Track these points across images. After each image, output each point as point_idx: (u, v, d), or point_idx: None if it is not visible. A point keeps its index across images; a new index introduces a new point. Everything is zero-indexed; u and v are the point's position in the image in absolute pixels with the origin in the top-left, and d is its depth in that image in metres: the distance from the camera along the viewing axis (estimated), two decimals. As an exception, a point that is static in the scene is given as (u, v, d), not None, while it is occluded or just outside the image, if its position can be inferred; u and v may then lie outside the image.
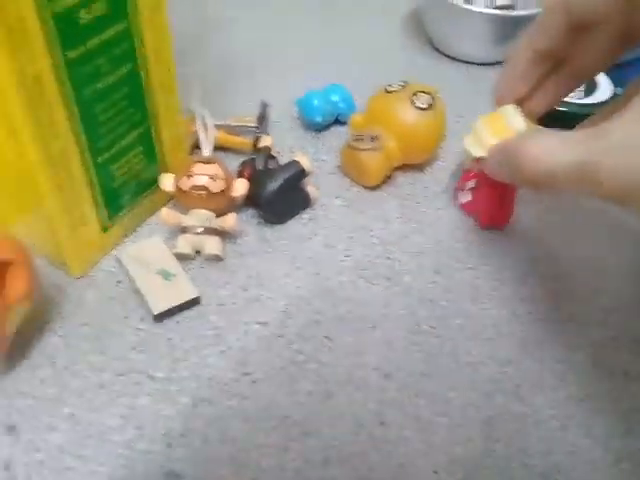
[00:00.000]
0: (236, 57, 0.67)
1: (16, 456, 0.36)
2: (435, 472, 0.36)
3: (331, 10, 0.78)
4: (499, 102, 0.46)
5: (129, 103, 0.41)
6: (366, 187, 0.54)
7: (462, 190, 0.51)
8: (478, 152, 0.44)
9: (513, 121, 0.44)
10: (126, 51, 0.39)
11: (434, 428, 0.38)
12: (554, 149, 0.31)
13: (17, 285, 0.36)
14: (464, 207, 0.52)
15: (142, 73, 0.41)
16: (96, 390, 0.39)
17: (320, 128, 0.59)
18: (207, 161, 0.47)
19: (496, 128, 0.44)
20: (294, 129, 0.60)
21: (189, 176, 0.46)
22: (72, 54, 0.35)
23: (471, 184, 0.50)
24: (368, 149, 0.50)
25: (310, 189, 0.50)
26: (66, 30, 0.34)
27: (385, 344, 0.42)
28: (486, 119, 0.45)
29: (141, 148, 0.44)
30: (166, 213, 0.46)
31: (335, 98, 0.58)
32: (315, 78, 0.61)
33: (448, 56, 0.71)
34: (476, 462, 0.37)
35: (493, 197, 0.48)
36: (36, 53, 0.33)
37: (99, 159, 0.41)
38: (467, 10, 0.64)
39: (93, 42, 0.36)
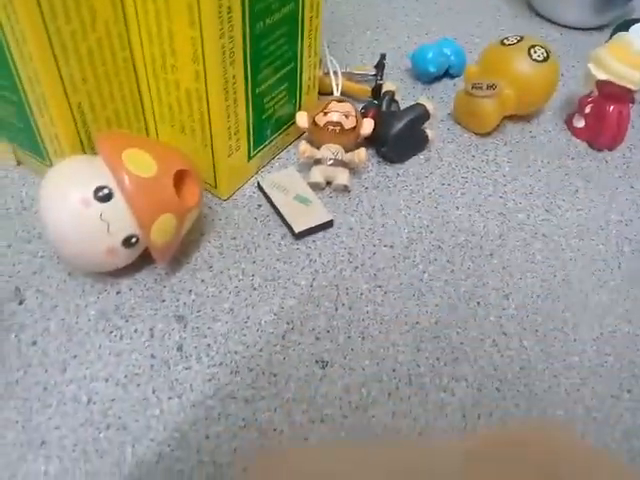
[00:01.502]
0: (351, 14, 0.72)
1: (187, 340, 0.42)
2: (554, 376, 0.41)
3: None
4: None
5: (285, 41, 0.46)
6: (477, 134, 0.58)
7: (578, 114, 0.56)
8: (602, 75, 0.52)
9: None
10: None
11: (550, 341, 0.42)
12: None
13: (192, 192, 0.42)
14: (578, 132, 0.57)
15: (299, 14, 0.46)
16: (250, 291, 0.44)
17: (431, 80, 0.63)
18: (340, 100, 0.51)
19: (620, 54, 0.50)
20: (405, 81, 0.64)
21: (325, 113, 0.50)
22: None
23: (587, 109, 0.54)
24: (485, 96, 0.54)
25: (429, 131, 0.55)
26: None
27: (503, 270, 0.47)
28: (609, 46, 0.51)
29: (286, 84, 0.50)
30: (304, 146, 0.51)
31: (447, 51, 0.62)
32: (420, 35, 0.65)
33: (549, 20, 0.74)
34: (590, 370, 0.41)
35: (611, 117, 0.54)
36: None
37: (257, 90, 0.46)
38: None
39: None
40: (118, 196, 0.39)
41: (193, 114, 0.45)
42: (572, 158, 0.56)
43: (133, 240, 0.41)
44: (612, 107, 0.55)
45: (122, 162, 0.39)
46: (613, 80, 0.53)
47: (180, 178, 0.42)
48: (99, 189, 0.39)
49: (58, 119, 0.43)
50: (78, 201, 0.39)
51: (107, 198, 0.39)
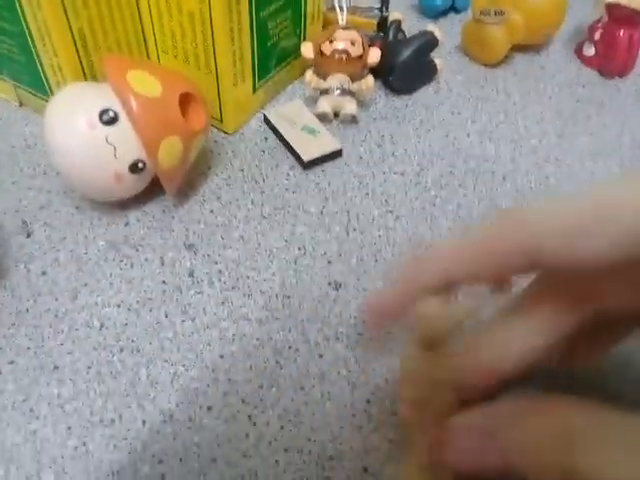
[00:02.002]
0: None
1: (198, 267, 0.41)
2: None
3: None
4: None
5: (288, -38, 0.45)
6: (486, 65, 0.56)
7: (588, 42, 0.55)
8: None
9: None
10: None
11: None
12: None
13: (198, 116, 0.41)
14: (589, 61, 0.56)
15: None
16: (260, 219, 0.44)
17: (437, 14, 0.62)
18: (346, 28, 0.50)
19: None
20: (411, 16, 0.63)
21: (331, 41, 0.49)
22: None
23: (597, 36, 0.53)
24: (494, 23, 0.53)
25: (437, 60, 0.53)
26: None
27: (516, 192, 0.46)
28: None
29: (290, 12, 0.48)
30: (310, 75, 0.50)
31: (454, -16, 0.61)
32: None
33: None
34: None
35: (621, 42, 0.52)
36: None
37: (261, 14, 0.45)
38: None
39: None
40: (123, 119, 0.38)
41: (196, 39, 0.44)
42: (583, 86, 0.55)
43: (140, 165, 0.40)
44: (622, 31, 0.53)
45: (127, 82, 0.38)
46: (622, 2, 0.51)
47: (185, 102, 0.41)
48: (104, 112, 0.38)
49: (60, 46, 0.42)
50: (83, 124, 0.38)
51: (112, 121, 0.38)
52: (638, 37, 0.54)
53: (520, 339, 0.27)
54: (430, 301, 0.26)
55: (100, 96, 0.39)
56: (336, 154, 0.48)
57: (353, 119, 0.50)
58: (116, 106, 0.38)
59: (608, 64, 0.55)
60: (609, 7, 0.53)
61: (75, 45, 0.43)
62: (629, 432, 0.21)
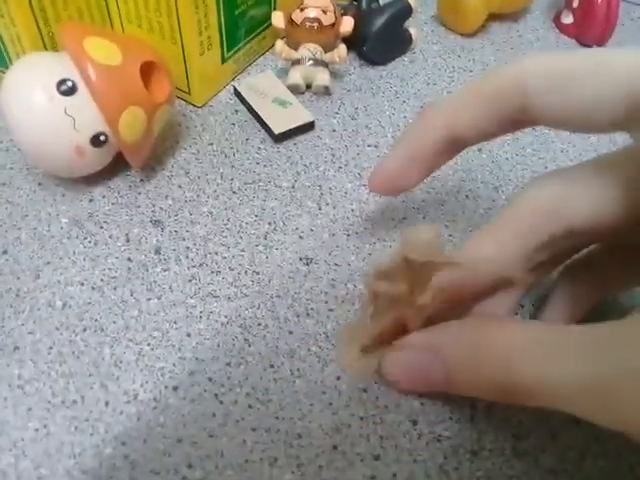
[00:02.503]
0: None
1: (164, 244, 0.40)
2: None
3: None
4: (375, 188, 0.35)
5: None
6: (462, 35, 0.55)
7: (566, 10, 0.53)
8: None
9: None
10: None
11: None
12: (553, 355, 0.22)
13: (162, 87, 0.40)
14: (567, 29, 0.55)
15: None
16: (229, 194, 0.42)
17: (413, -17, 0.60)
18: (318, -4, 0.48)
19: None
20: (387, -15, 0.61)
21: (302, 9, 0.48)
22: None
23: (575, 3, 0.52)
24: (470, -10, 0.51)
25: (412, 30, 0.52)
26: None
27: (492, 163, 0.45)
28: None
29: (259, -22, 0.47)
30: (281, 45, 0.48)
31: (430, -49, 0.59)
32: None
33: None
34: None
35: (599, 9, 0.51)
36: None
37: (227, -20, 0.43)
38: None
39: None
40: (82, 89, 0.37)
41: (160, 7, 0.42)
42: (562, 55, 0.54)
43: (102, 138, 0.38)
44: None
45: (84, 50, 0.36)
46: (602, -33, 0.50)
47: (148, 72, 0.39)
48: (62, 82, 0.37)
49: (18, 17, 0.41)
50: (40, 96, 0.36)
51: (71, 91, 0.37)
52: (616, 4, 0.53)
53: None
54: (420, 228, 0.25)
55: (58, 66, 0.37)
56: (308, 126, 0.46)
57: (326, 90, 0.49)
58: (74, 76, 0.37)
59: (586, 32, 0.54)
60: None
61: (34, 15, 0.41)
62: (564, 345, 0.22)
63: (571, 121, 0.25)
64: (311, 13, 0.48)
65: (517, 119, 0.27)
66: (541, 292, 0.36)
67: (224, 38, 0.46)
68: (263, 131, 0.47)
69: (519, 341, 0.23)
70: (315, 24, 0.48)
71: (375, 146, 0.46)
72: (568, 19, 0.55)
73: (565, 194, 0.27)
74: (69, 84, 0.37)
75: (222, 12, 0.45)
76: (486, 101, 0.27)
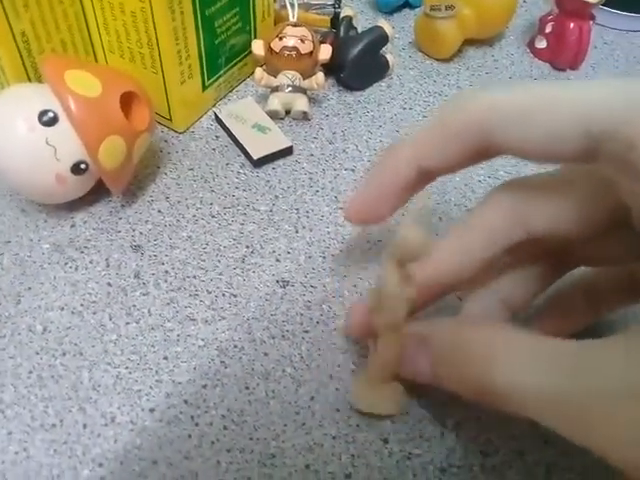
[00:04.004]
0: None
1: (144, 268, 0.41)
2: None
3: None
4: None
5: (231, -41, 0.45)
6: (438, 60, 0.57)
7: (540, 35, 0.55)
8: None
9: None
10: None
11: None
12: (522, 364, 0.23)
13: (142, 115, 0.41)
14: (540, 54, 0.57)
15: None
16: (209, 218, 0.43)
17: (391, 10, 0.62)
18: (296, 24, 0.50)
19: None
20: (366, 12, 0.62)
21: (280, 38, 0.49)
22: None
23: (548, 28, 0.54)
24: (444, 17, 0.53)
25: (389, 56, 0.53)
26: None
27: (465, 186, 0.46)
28: None
29: (238, 9, 0.48)
30: (260, 72, 0.49)
31: (407, -21, 0.61)
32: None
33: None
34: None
35: (571, 34, 0.53)
36: None
37: (206, 11, 0.45)
38: None
39: None
40: (63, 119, 0.38)
41: (141, 39, 0.44)
42: (535, 79, 0.56)
43: (82, 166, 0.39)
44: (572, 24, 0.54)
45: (65, 82, 0.37)
46: (571, -6, 0.52)
47: (128, 101, 0.41)
48: (43, 113, 0.38)
49: (2, 48, 0.42)
50: (22, 126, 0.38)
51: (52, 122, 0.38)
52: (588, 29, 0.55)
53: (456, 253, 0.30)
54: (412, 226, 0.26)
55: (40, 97, 0.38)
56: (287, 151, 0.48)
57: (305, 116, 0.50)
58: (56, 107, 0.38)
59: (559, 57, 0.56)
60: (559, 0, 0.53)
61: (17, 48, 0.42)
62: (541, 356, 0.22)
63: (535, 155, 0.26)
64: (289, 42, 0.49)
65: (483, 152, 0.28)
66: (540, 301, 0.36)
67: (205, 67, 0.48)
68: (243, 156, 0.48)
69: (499, 345, 0.24)
70: (293, 52, 0.49)
71: (352, 170, 0.47)
72: (542, 44, 0.57)
73: (526, 201, 0.28)
74: (50, 115, 0.38)
75: (202, 42, 0.46)
76: (452, 136, 0.27)
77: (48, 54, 0.43)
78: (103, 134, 0.38)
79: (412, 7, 0.62)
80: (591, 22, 0.55)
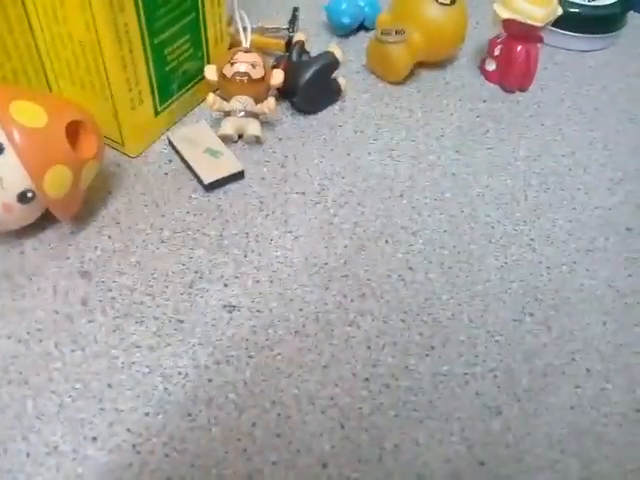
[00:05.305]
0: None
1: (91, 295, 0.41)
2: (458, 305, 0.41)
3: None
4: None
5: (180, -11, 0.45)
6: (391, 83, 0.58)
7: (489, 57, 0.57)
8: (505, 14, 0.53)
9: None
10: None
11: (456, 272, 0.43)
12: None
13: (89, 143, 0.41)
14: (490, 76, 0.58)
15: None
16: (158, 244, 0.44)
17: (346, 32, 0.63)
18: (247, 50, 0.51)
19: None
20: (321, 35, 0.64)
21: (232, 63, 0.50)
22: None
23: (497, 51, 0.55)
24: (394, 42, 0.54)
25: (340, 80, 0.54)
26: None
27: (412, 209, 0.47)
28: None
29: (189, 36, 0.49)
30: (212, 98, 0.50)
31: (361, 3, 0.62)
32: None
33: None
34: (494, 297, 0.42)
35: (518, 57, 0.55)
36: None
37: (155, 40, 0.45)
38: None
39: None
40: (9, 150, 0.38)
41: (90, 67, 0.44)
42: (484, 101, 0.57)
43: (29, 195, 0.40)
44: (520, 47, 0.55)
45: (9, 113, 0.38)
46: (517, 18, 0.53)
47: (76, 130, 0.41)
48: (-12, 143, 0.38)
49: (-52, 78, 0.42)
50: (-34, 157, 0.38)
51: (-3, 152, 0.38)
52: (536, 52, 0.56)
53: None
54: None
55: (-15, 127, 0.39)
56: (238, 175, 0.48)
57: (257, 140, 0.51)
58: (2, 137, 0.38)
59: (507, 78, 0.57)
60: (506, 23, 0.55)
61: (-34, 76, 0.43)
62: None
63: None
64: (241, 67, 0.50)
65: None
66: None
67: (156, 93, 0.48)
68: (195, 180, 0.48)
69: None
70: (245, 78, 0.50)
71: (302, 193, 0.48)
72: (491, 66, 0.58)
73: None
74: (-5, 145, 0.38)
75: (152, 69, 0.47)
76: None
77: (2, 84, 0.44)
78: (48, 164, 0.38)
79: (367, 30, 0.64)
80: (539, 45, 0.56)
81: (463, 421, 0.35)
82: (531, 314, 0.41)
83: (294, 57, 0.54)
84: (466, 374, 0.38)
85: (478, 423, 0.35)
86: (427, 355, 0.38)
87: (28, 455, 0.34)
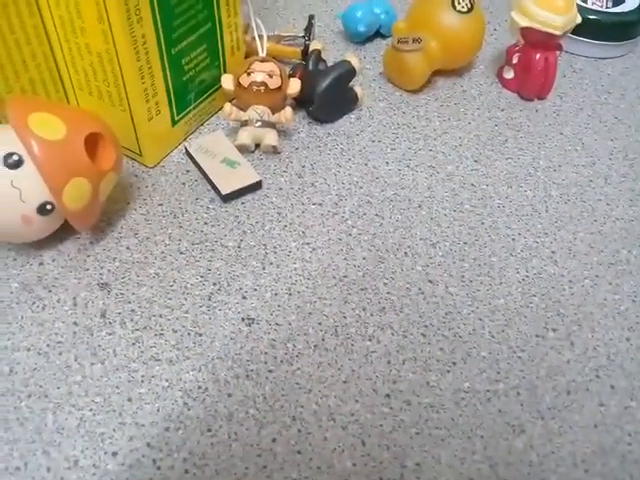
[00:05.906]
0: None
1: (110, 307, 0.41)
2: (479, 319, 0.41)
3: None
4: None
5: (198, 0, 0.45)
6: (408, 91, 0.57)
7: (507, 66, 0.56)
8: (524, 22, 0.52)
9: None
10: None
11: (476, 285, 0.43)
12: None
13: (108, 155, 0.41)
14: (508, 84, 0.58)
15: (211, -29, 0.45)
16: (177, 255, 0.44)
17: (362, 40, 0.63)
18: (264, 60, 0.51)
19: (541, 0, 0.51)
20: (337, 42, 0.63)
21: (249, 73, 0.50)
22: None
23: (515, 59, 0.55)
24: (411, 50, 0.54)
25: (357, 89, 0.54)
26: None
27: (431, 220, 0.47)
28: None
29: (205, 46, 0.49)
30: (229, 107, 0.50)
31: (377, 10, 0.61)
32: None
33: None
34: (515, 311, 0.41)
35: (537, 65, 0.54)
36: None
37: (172, 50, 0.45)
38: None
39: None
40: (28, 162, 0.38)
41: (107, 78, 0.44)
42: (502, 109, 0.56)
43: (48, 207, 0.40)
44: (538, 55, 0.55)
45: (28, 126, 0.38)
46: (535, 26, 0.53)
47: (94, 142, 0.41)
48: (8, 156, 0.38)
49: (-33, 90, 0.42)
50: (-13, 170, 0.38)
51: (17, 165, 0.38)
52: (554, 59, 0.56)
53: None
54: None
55: (5, 140, 0.39)
56: (256, 186, 0.48)
57: (274, 149, 0.51)
58: (21, 150, 0.38)
59: (525, 87, 0.57)
60: (524, 31, 0.54)
61: (-16, 86, 0.43)
62: None
63: None
64: (258, 77, 0.50)
65: None
66: None
67: (173, 103, 0.48)
68: (213, 191, 0.48)
69: None
70: (262, 87, 0.50)
71: (320, 204, 0.48)
72: (509, 74, 0.58)
73: None
74: (15, 158, 0.38)
75: (169, 79, 0.47)
76: None
77: (12, 96, 0.44)
78: (67, 176, 0.38)
79: (384, 37, 0.63)
80: (558, 52, 0.56)
81: (485, 439, 0.35)
82: (554, 329, 0.40)
83: (311, 66, 0.54)
84: (488, 391, 0.37)
85: (501, 441, 0.35)
86: (448, 371, 0.38)
87: (49, 470, 0.34)
